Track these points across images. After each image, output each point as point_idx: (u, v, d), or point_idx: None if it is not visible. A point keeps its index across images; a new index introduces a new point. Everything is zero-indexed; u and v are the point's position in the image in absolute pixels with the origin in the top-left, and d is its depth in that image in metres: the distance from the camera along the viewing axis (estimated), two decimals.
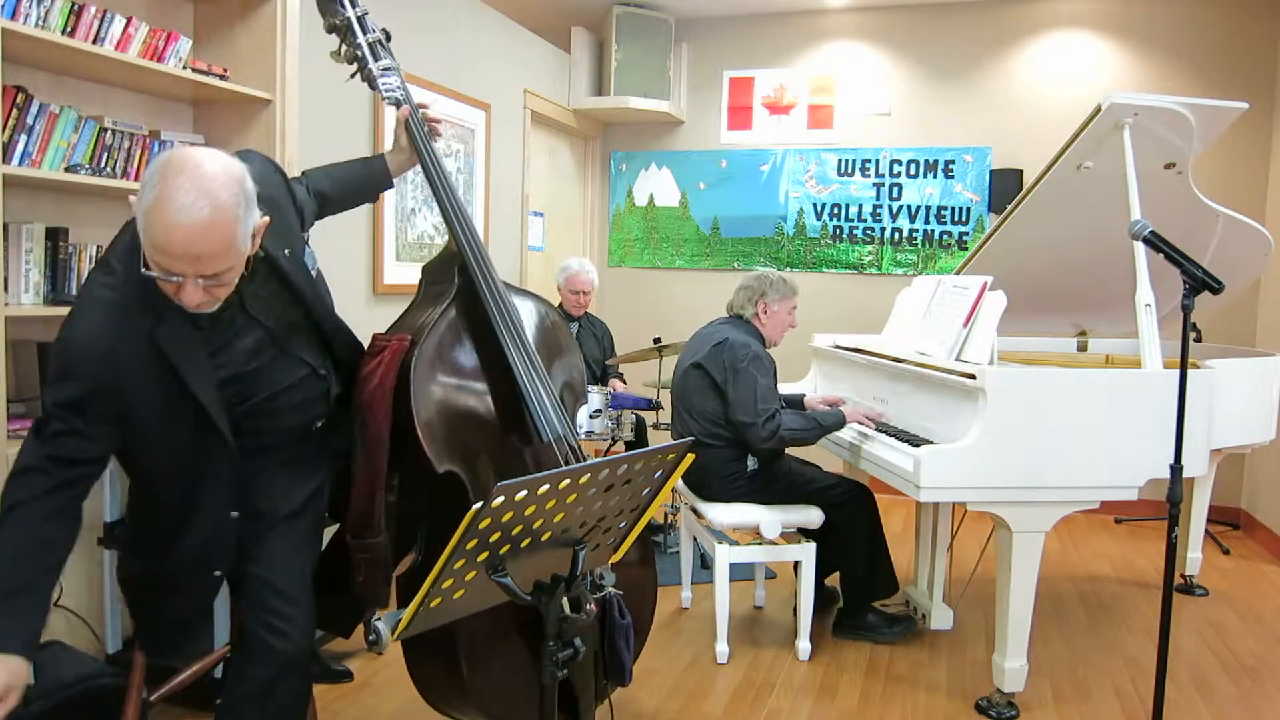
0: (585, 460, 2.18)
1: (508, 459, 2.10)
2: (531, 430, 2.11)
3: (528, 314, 2.27)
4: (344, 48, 2.13)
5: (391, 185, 2.21)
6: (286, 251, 1.82)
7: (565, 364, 2.36)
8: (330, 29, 2.13)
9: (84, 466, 1.63)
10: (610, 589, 2.01)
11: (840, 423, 3.20)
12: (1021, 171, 5.32)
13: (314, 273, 1.91)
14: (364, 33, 2.11)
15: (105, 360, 1.60)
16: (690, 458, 1.69)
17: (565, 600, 1.95)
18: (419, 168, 2.19)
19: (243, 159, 1.80)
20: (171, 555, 1.82)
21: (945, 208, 5.56)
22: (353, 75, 2.20)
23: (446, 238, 4.55)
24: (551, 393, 2.15)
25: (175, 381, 1.66)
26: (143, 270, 1.52)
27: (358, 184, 2.16)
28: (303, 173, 2.09)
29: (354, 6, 2.11)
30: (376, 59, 2.11)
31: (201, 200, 1.49)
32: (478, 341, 2.13)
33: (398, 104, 2.13)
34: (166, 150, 1.55)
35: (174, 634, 1.91)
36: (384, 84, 2.13)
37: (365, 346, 2.04)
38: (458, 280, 2.14)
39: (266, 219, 1.65)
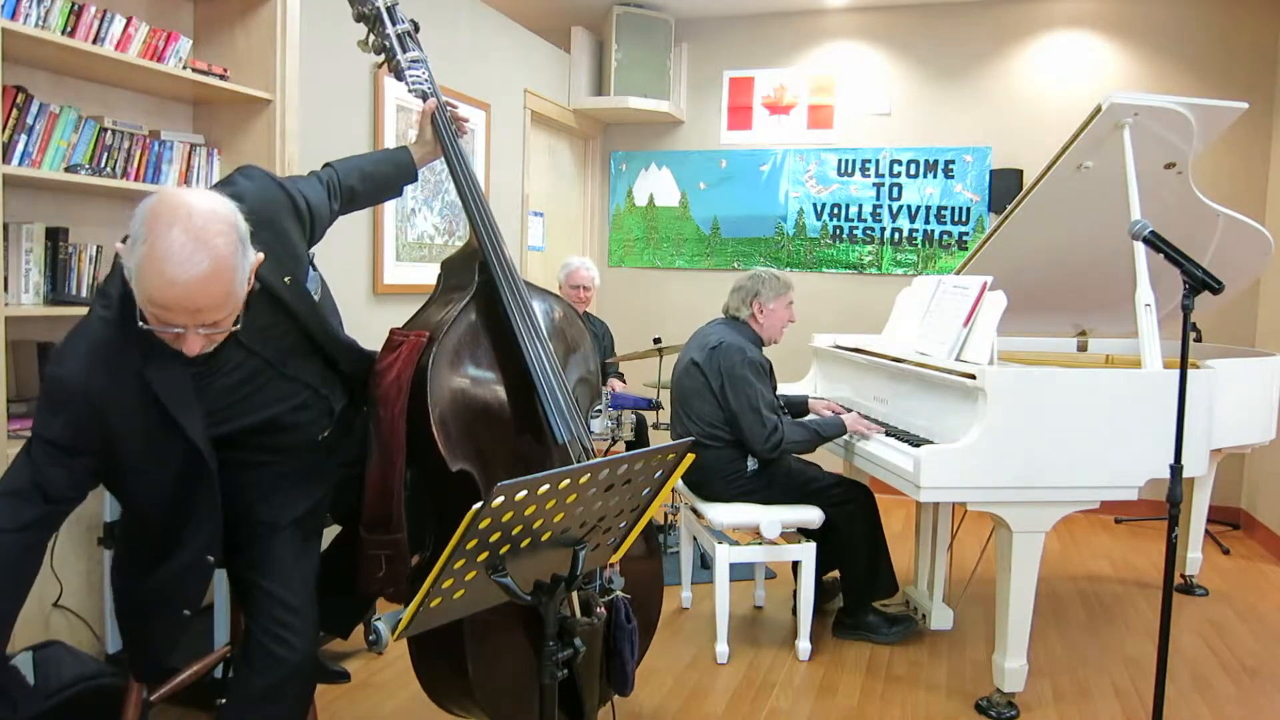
0: (594, 456, 2.19)
1: (521, 459, 2.10)
2: (546, 431, 2.10)
3: (544, 313, 2.25)
4: (372, 37, 2.11)
5: (416, 178, 2.18)
6: (286, 279, 1.76)
7: (580, 359, 2.35)
8: (359, 18, 2.11)
9: (66, 504, 1.63)
10: (619, 592, 2.01)
11: (840, 431, 3.20)
12: (1021, 171, 5.32)
13: (316, 296, 1.86)
14: (393, 23, 2.09)
15: (92, 399, 1.57)
16: (690, 458, 1.69)
17: (575, 602, 1.96)
18: (438, 163, 2.17)
19: (243, 176, 1.78)
20: (143, 585, 1.81)
21: (945, 208, 5.56)
22: (379, 65, 2.18)
23: (447, 237, 4.57)
24: (568, 394, 2.13)
25: (164, 419, 1.64)
26: (140, 324, 1.49)
27: (386, 179, 2.11)
28: (328, 164, 2.03)
29: None
30: (405, 50, 2.09)
31: (199, 253, 1.44)
32: (495, 340, 2.11)
33: (424, 96, 2.10)
34: (151, 197, 1.50)
35: (142, 652, 1.90)
36: (411, 76, 2.10)
37: (374, 354, 2.02)
38: (478, 278, 2.11)
39: (261, 256, 1.60)
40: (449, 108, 2.14)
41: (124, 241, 1.49)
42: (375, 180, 2.07)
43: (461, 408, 1.99)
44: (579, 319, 2.39)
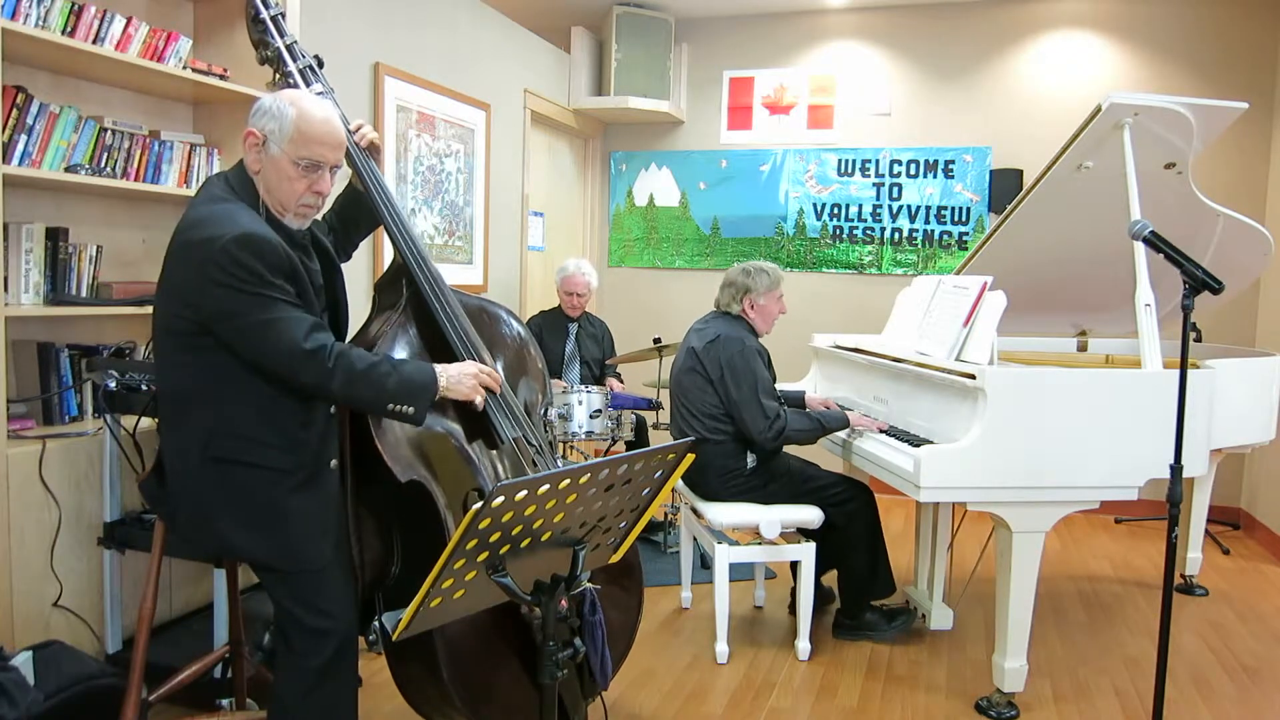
0: (552, 455, 2.23)
1: (471, 464, 2.12)
2: (493, 432, 2.15)
3: (475, 318, 2.28)
4: (277, 77, 2.18)
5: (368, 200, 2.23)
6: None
7: (516, 360, 2.38)
8: (262, 61, 2.19)
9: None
10: (587, 584, 2.03)
11: (843, 424, 3.20)
12: (1021, 171, 5.32)
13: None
14: (294, 60, 2.15)
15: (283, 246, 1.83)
16: (690, 458, 1.70)
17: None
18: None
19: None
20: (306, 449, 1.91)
21: (945, 208, 5.56)
22: None
23: (447, 237, 4.57)
24: (508, 393, 2.18)
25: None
26: (296, 165, 1.83)
27: (344, 205, 2.24)
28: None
29: (283, 36, 2.15)
30: (308, 84, 2.16)
31: (329, 104, 1.96)
32: (431, 349, 2.17)
33: None
34: (265, 97, 1.87)
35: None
36: None
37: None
38: (405, 292, 2.20)
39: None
40: (358, 131, 2.18)
41: (256, 136, 1.83)
42: (340, 213, 2.23)
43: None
44: (514, 321, 2.44)
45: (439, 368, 1.97)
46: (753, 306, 3.32)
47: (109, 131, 2.70)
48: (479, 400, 2.03)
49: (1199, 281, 2.17)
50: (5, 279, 2.42)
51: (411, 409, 1.89)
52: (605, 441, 4.14)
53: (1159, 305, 2.87)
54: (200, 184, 1.94)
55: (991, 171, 5.44)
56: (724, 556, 3.09)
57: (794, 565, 3.23)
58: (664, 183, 6.13)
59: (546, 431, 2.35)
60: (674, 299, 6.09)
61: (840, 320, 5.48)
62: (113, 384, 2.38)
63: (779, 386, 3.53)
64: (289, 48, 2.15)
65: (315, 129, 1.85)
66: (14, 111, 2.41)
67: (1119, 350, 4.14)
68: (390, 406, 1.88)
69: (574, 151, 6.08)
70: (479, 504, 1.33)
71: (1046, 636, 3.40)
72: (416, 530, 2.09)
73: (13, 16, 2.32)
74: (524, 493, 1.37)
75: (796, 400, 3.54)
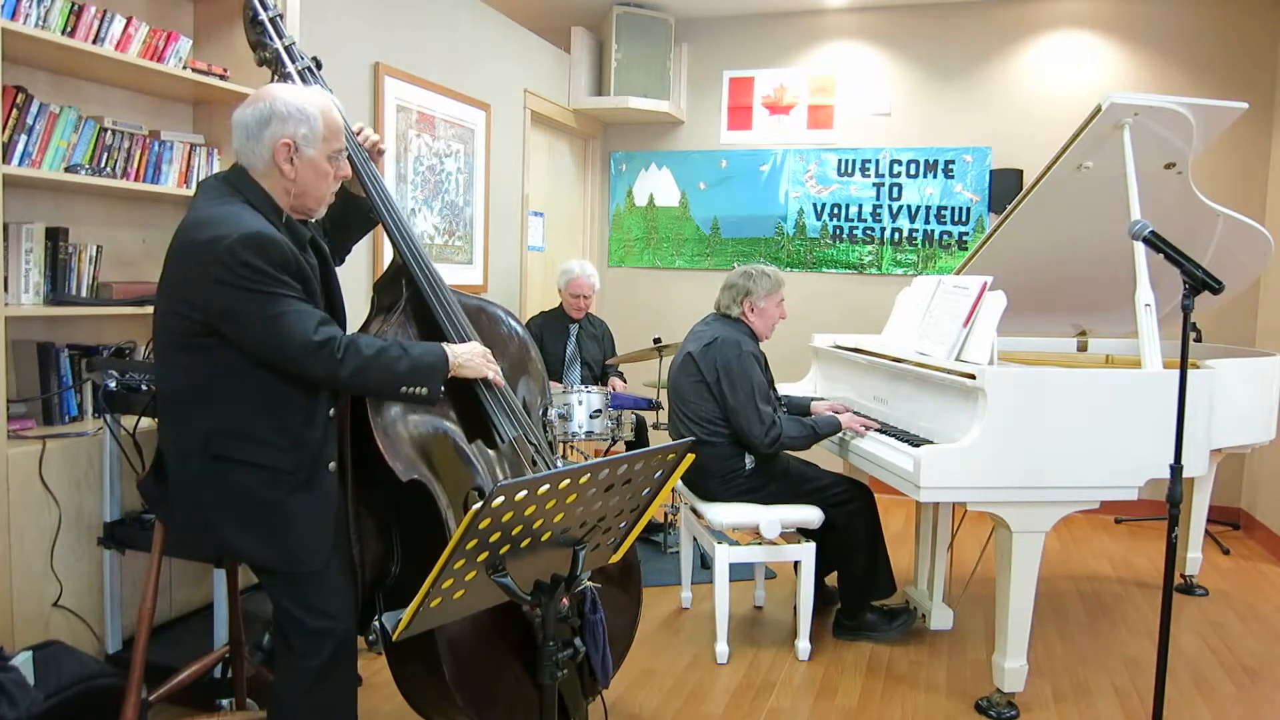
0: (551, 455, 2.23)
1: (471, 464, 2.12)
2: (493, 432, 2.16)
3: (474, 319, 2.28)
4: (275, 78, 2.17)
5: (364, 203, 2.22)
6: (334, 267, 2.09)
7: (517, 359, 2.38)
8: (261, 62, 2.19)
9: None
10: (586, 583, 2.04)
11: (836, 429, 3.21)
12: (1021, 171, 5.32)
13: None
14: (292, 61, 2.15)
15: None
16: (690, 458, 1.70)
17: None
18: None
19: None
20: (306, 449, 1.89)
21: (945, 208, 5.56)
22: None
23: (447, 237, 4.57)
24: (508, 393, 2.19)
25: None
26: (330, 160, 1.87)
27: (336, 210, 2.20)
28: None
29: (281, 38, 2.15)
30: (307, 86, 2.14)
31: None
32: None
33: None
34: (269, 103, 1.82)
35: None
36: None
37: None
38: (405, 292, 2.19)
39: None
40: (359, 132, 2.18)
41: (290, 145, 1.81)
42: (333, 217, 2.17)
43: (405, 419, 2.02)
44: (513, 322, 2.44)
45: (448, 346, 1.99)
46: (753, 309, 3.32)
47: (109, 131, 2.70)
48: (492, 375, 2.05)
49: (1199, 281, 2.17)
50: (5, 279, 2.43)
51: (425, 390, 1.91)
52: (605, 441, 4.14)
53: (1159, 305, 2.87)
54: (197, 185, 1.93)
55: (991, 171, 5.44)
56: (724, 556, 3.09)
57: (795, 565, 3.22)
58: (664, 183, 6.13)
59: (546, 431, 2.35)
60: (674, 299, 6.09)
61: (840, 320, 5.48)
62: (113, 384, 2.38)
63: (784, 390, 3.53)
64: (287, 49, 2.15)
65: (336, 119, 1.89)
66: (14, 111, 2.41)
67: (1119, 350, 4.14)
68: (403, 390, 1.90)
69: (574, 151, 6.08)
70: (479, 504, 1.33)
71: (1046, 636, 3.40)
72: (417, 530, 2.09)
73: (13, 16, 2.32)
74: (524, 493, 1.37)
75: (802, 405, 3.53)
